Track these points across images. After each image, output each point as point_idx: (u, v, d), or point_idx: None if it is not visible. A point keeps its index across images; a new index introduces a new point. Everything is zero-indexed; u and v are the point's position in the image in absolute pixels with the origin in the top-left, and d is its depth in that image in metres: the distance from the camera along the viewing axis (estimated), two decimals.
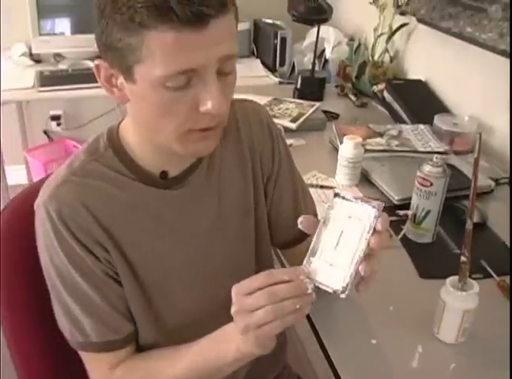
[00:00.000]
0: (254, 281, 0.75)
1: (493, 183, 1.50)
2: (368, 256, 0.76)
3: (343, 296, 0.76)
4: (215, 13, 0.71)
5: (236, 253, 1.00)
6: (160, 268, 0.92)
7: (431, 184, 1.20)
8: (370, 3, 2.24)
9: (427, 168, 1.21)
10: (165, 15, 0.69)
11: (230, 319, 0.80)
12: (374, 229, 0.75)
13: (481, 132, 0.95)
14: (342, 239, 0.77)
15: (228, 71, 0.79)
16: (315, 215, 1.07)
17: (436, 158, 1.21)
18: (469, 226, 0.92)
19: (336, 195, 0.78)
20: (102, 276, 0.88)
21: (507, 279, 1.13)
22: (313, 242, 0.78)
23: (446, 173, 1.21)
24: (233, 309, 0.77)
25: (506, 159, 1.64)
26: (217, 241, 0.96)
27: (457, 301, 0.94)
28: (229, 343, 0.82)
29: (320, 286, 0.77)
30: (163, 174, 0.91)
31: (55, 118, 3.20)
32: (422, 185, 1.22)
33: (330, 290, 0.76)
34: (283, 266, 1.14)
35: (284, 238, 1.06)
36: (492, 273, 1.15)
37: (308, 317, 1.04)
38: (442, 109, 1.94)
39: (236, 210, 0.98)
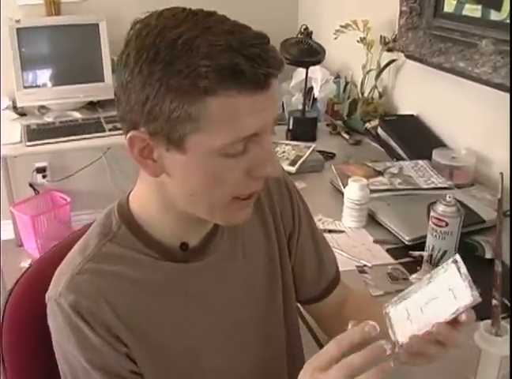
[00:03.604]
0: (325, 354, 0.69)
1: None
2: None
3: (396, 350, 0.73)
4: (276, 73, 0.68)
5: (265, 314, 0.94)
6: (189, 346, 0.85)
7: (447, 224, 1.19)
8: (358, 41, 2.26)
9: (440, 208, 1.20)
10: (235, 78, 0.64)
11: None
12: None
13: (502, 172, 0.94)
14: (431, 304, 0.76)
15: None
16: (336, 265, 1.06)
17: (449, 197, 1.20)
18: (498, 267, 0.89)
19: (455, 262, 0.76)
20: (128, 375, 0.79)
21: None
22: (410, 289, 0.78)
23: (460, 212, 1.19)
24: None
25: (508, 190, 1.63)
26: (246, 306, 0.90)
27: (494, 347, 0.91)
28: None
29: (389, 328, 0.77)
30: (184, 245, 0.84)
31: (40, 170, 3.15)
32: (437, 225, 1.20)
33: (392, 338, 0.75)
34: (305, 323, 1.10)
35: (309, 293, 1.02)
36: None
37: None
38: (438, 143, 1.94)
39: (263, 272, 0.93)
